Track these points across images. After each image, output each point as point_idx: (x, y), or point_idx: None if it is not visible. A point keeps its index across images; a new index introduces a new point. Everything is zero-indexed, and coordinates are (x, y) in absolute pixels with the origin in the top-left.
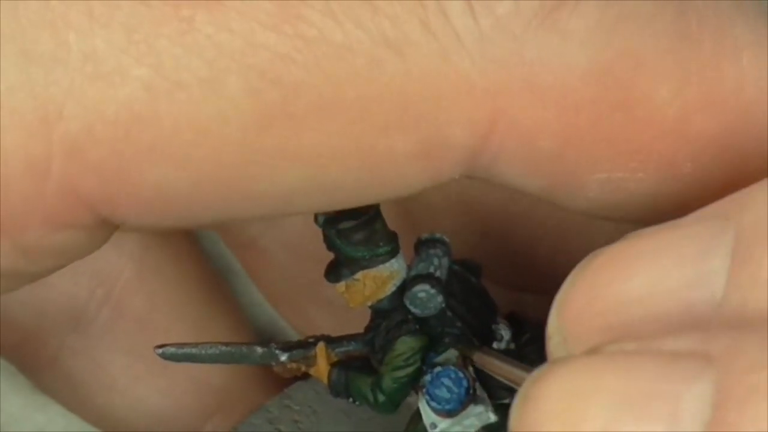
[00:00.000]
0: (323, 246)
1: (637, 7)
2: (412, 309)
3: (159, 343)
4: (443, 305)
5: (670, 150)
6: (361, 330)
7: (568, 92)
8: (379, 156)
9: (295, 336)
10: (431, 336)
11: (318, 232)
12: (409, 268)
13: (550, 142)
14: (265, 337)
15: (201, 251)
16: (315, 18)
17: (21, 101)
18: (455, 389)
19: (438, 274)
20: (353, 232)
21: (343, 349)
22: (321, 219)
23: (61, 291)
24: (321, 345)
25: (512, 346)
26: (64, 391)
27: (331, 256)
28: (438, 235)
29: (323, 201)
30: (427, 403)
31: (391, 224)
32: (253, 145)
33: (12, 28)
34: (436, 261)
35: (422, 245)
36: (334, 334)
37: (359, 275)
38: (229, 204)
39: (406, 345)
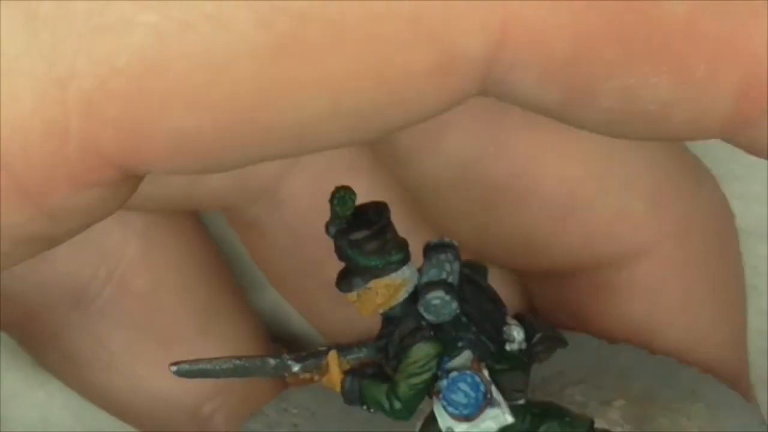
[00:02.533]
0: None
1: None
2: (427, 316)
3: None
4: (458, 311)
5: (682, 51)
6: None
7: None
8: (395, 75)
9: (298, 318)
10: (445, 341)
11: (321, 212)
12: (420, 273)
13: (563, 45)
14: (267, 319)
15: (205, 231)
16: None
17: (32, 65)
18: (472, 394)
19: (450, 279)
20: (366, 242)
21: (354, 356)
22: (333, 230)
23: (64, 268)
24: (333, 353)
25: (524, 346)
26: (64, 368)
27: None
28: (447, 240)
29: (343, 130)
30: (444, 408)
31: (395, 202)
32: (268, 78)
33: None
34: (447, 266)
35: (432, 250)
36: (336, 315)
37: (372, 284)
38: (250, 142)
39: (422, 352)
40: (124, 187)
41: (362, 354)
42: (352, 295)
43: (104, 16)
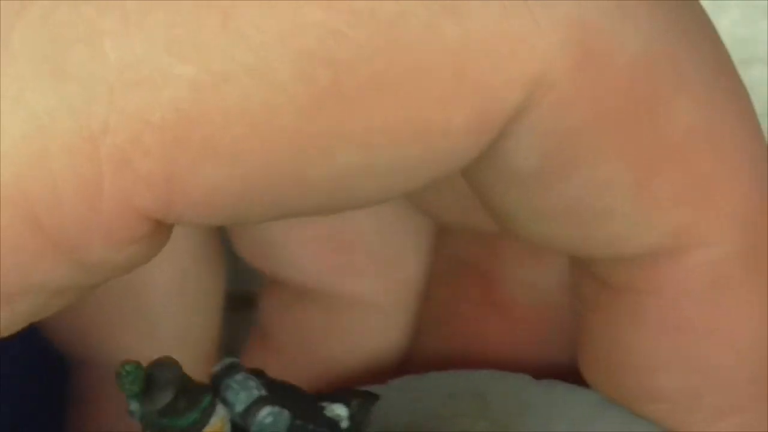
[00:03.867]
0: None
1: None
2: None
3: None
4: (292, 417)
5: None
6: None
7: (614, 67)
8: (435, 131)
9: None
10: None
11: None
12: (227, 405)
13: (581, 114)
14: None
15: None
16: None
17: (63, 123)
18: None
19: (263, 392)
20: (176, 401)
21: None
22: (137, 409)
23: None
24: None
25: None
26: None
27: None
28: (228, 360)
29: (376, 186)
30: None
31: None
32: (305, 131)
33: (43, 45)
34: (251, 382)
35: (222, 377)
36: None
37: None
38: (282, 195)
39: None
40: (157, 237)
41: None
42: None
43: (138, 69)
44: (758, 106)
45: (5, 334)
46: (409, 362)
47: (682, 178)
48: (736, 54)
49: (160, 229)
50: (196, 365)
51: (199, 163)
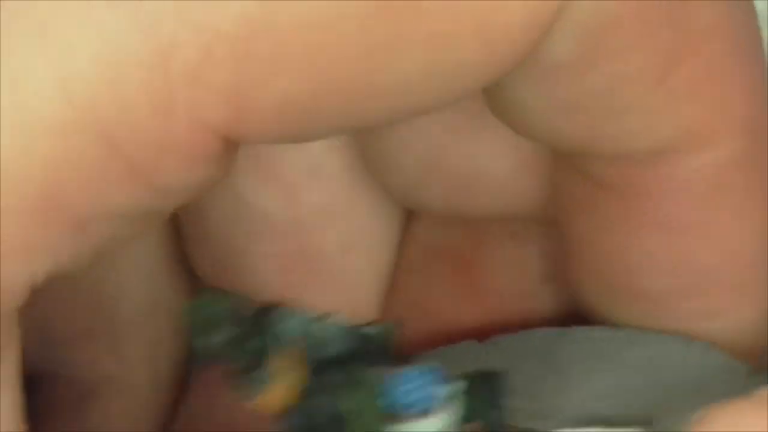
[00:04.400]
0: None
1: None
2: None
3: None
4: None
5: None
6: None
7: None
8: (496, 31)
9: None
10: None
11: None
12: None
13: (615, 6)
14: None
15: None
16: None
17: (132, 40)
18: None
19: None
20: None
21: None
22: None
23: None
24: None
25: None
26: None
27: None
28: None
29: (440, 91)
30: None
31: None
32: (373, 36)
33: None
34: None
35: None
36: None
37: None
38: (349, 105)
39: None
40: (226, 156)
41: None
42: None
43: None
44: None
45: (73, 266)
46: None
47: (698, 74)
48: None
49: (229, 149)
50: (163, 381)
51: (269, 74)
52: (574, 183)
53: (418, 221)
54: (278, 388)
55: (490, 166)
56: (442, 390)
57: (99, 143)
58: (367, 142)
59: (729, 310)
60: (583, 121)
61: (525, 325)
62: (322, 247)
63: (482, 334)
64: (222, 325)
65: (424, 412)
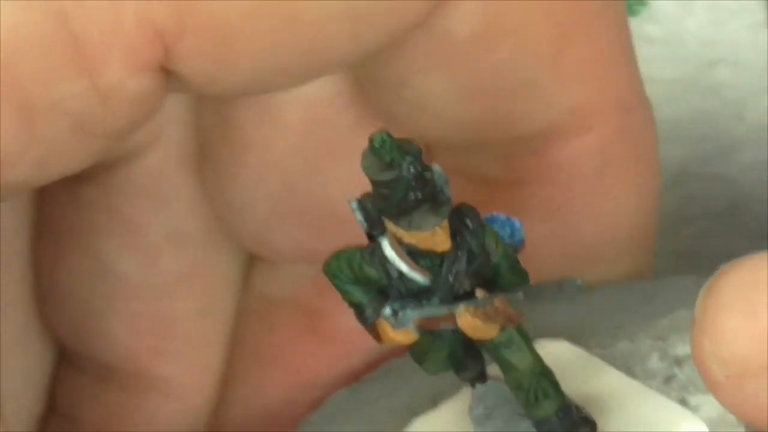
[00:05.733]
0: None
1: None
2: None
3: None
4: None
5: None
6: None
7: None
8: None
9: None
10: None
11: None
12: None
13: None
14: None
15: None
16: None
17: None
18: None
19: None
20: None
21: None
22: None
23: None
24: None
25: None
26: None
27: None
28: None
29: (349, 36)
30: None
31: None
32: None
33: None
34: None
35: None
36: None
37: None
38: (273, 34)
39: None
40: (164, 82)
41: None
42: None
43: None
44: (725, 108)
45: (19, 172)
46: (223, 404)
47: (585, 56)
48: (702, 55)
49: (164, 84)
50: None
51: None
52: (467, 181)
53: (258, 273)
54: None
55: (343, 205)
56: None
57: (53, 18)
58: (222, 180)
59: (610, 272)
60: (483, 102)
61: (375, 366)
62: (178, 313)
63: (332, 370)
64: None
65: None
